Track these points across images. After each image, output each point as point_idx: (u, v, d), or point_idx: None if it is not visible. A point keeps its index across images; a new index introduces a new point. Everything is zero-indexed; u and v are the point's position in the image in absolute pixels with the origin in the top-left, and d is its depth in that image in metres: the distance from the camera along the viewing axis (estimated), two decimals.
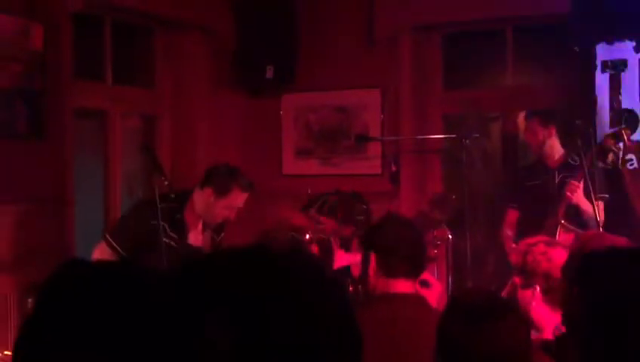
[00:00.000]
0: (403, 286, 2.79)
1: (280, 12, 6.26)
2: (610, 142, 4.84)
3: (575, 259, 2.68)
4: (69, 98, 5.05)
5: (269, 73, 6.11)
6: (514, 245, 5.15)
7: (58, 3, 4.94)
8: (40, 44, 4.81)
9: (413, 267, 2.83)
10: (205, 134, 6.18)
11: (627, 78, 5.44)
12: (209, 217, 4.13)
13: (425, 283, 3.05)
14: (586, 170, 4.70)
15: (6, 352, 4.29)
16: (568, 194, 4.86)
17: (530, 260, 3.01)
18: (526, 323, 2.13)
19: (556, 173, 5.18)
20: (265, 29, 6.16)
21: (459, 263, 5.52)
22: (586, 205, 4.89)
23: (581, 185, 4.85)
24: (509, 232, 5.35)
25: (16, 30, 4.70)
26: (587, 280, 1.57)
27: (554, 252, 3.03)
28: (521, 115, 6.20)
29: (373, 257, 2.83)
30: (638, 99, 5.43)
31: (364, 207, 5.51)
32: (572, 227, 4.83)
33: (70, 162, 5.06)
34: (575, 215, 4.86)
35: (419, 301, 2.83)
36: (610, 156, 4.89)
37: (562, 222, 4.85)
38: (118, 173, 5.76)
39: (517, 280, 3.06)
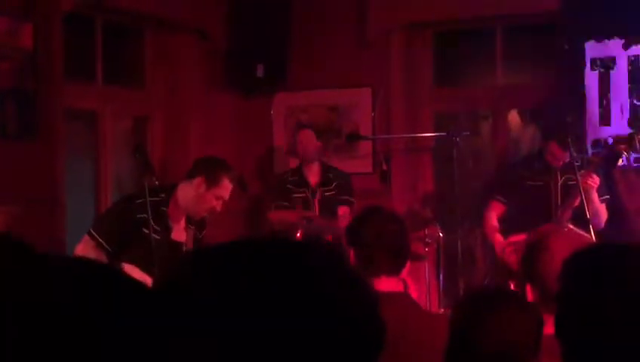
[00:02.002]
0: (387, 284, 2.65)
1: (271, 11, 6.26)
2: (622, 147, 4.83)
3: (530, 252, 2.67)
4: (59, 98, 5.04)
5: (260, 72, 6.11)
6: (499, 237, 5.14)
7: (49, 3, 4.93)
8: (30, 43, 4.80)
9: (396, 262, 2.69)
10: (197, 134, 6.19)
11: (616, 75, 5.46)
12: (197, 208, 4.10)
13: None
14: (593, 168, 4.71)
15: None
16: (590, 182, 4.74)
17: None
18: (535, 313, 2.12)
19: (559, 173, 5.11)
20: (256, 28, 6.16)
21: (450, 261, 5.54)
22: (597, 203, 4.86)
23: (596, 178, 4.78)
24: (494, 223, 5.26)
25: (7, 30, 4.70)
26: (573, 282, 1.57)
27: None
28: (513, 113, 6.22)
29: (351, 254, 2.70)
30: (627, 97, 5.45)
31: (340, 173, 5.74)
32: (579, 230, 4.76)
33: (61, 162, 5.06)
34: (580, 215, 4.74)
35: (406, 299, 2.73)
36: (620, 161, 4.90)
37: (570, 226, 4.78)
38: (109, 173, 5.75)
39: None
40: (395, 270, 2.70)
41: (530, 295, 2.56)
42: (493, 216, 5.25)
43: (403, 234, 2.75)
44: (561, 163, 5.05)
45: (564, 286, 1.59)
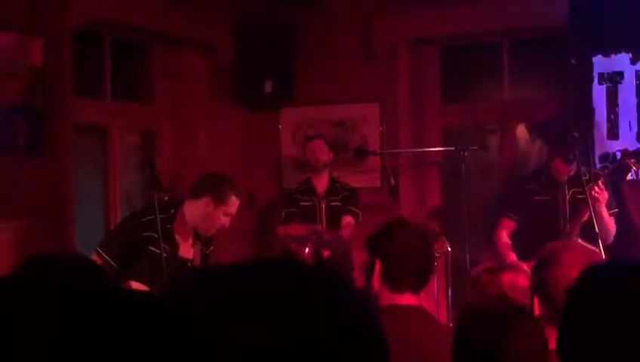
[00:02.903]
0: (408, 299, 2.65)
1: (278, 26, 6.28)
2: (631, 161, 4.82)
3: (540, 269, 2.67)
4: (68, 114, 5.07)
5: (268, 87, 6.13)
6: (513, 255, 5.14)
7: (58, 19, 4.96)
8: (40, 60, 4.83)
9: (421, 281, 2.68)
10: (204, 149, 6.20)
11: (624, 89, 5.46)
12: (207, 226, 4.11)
13: None
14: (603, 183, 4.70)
15: None
16: (595, 194, 4.71)
17: (478, 291, 2.95)
18: (541, 327, 2.13)
19: (566, 187, 5.09)
20: (263, 43, 6.18)
21: (458, 276, 5.52)
22: (606, 217, 4.84)
23: (605, 194, 4.76)
24: (506, 240, 5.25)
25: (16, 46, 4.72)
26: (582, 298, 1.56)
27: (502, 277, 3.01)
28: (521, 127, 6.22)
29: (378, 265, 2.66)
30: (634, 111, 5.45)
31: (347, 185, 5.82)
32: (588, 245, 4.74)
33: (70, 178, 5.07)
34: (589, 230, 4.70)
35: (424, 314, 2.73)
36: (629, 175, 4.89)
37: (578, 240, 4.76)
38: (118, 188, 5.77)
39: None
40: (419, 288, 2.69)
41: (537, 308, 2.56)
42: (504, 234, 5.25)
43: (429, 251, 2.73)
44: (566, 176, 5.06)
45: (571, 302, 1.58)
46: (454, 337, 2.13)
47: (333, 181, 5.84)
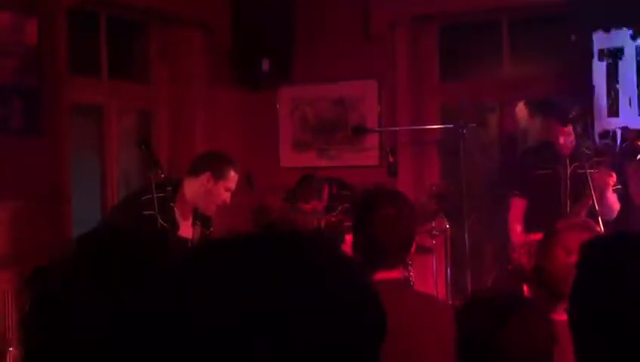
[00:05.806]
0: (387, 274, 2.56)
1: (276, 5, 6.24)
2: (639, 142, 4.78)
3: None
4: (64, 93, 5.03)
5: (265, 66, 6.10)
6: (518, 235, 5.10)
7: None
8: (35, 39, 4.79)
9: (401, 256, 2.62)
10: (202, 128, 6.18)
11: (624, 66, 5.42)
12: (208, 202, 4.13)
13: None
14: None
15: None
16: (607, 180, 4.62)
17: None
18: (548, 320, 2.10)
19: (568, 161, 5.04)
20: (261, 22, 6.14)
21: (457, 254, 5.51)
22: (612, 198, 4.80)
23: (614, 176, 4.71)
24: (517, 227, 5.18)
25: (11, 25, 4.69)
26: (591, 271, 1.54)
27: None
28: (520, 105, 6.18)
29: (354, 239, 2.63)
30: (635, 87, 5.41)
31: (348, 193, 5.46)
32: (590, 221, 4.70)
33: (66, 158, 5.05)
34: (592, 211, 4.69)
35: (401, 286, 2.65)
36: (639, 157, 4.85)
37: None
38: (115, 168, 5.75)
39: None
40: (399, 263, 2.65)
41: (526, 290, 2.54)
42: (516, 221, 5.16)
43: (409, 223, 2.64)
44: (569, 150, 5.00)
45: (580, 276, 1.55)
46: (458, 327, 2.10)
47: (331, 198, 5.46)
